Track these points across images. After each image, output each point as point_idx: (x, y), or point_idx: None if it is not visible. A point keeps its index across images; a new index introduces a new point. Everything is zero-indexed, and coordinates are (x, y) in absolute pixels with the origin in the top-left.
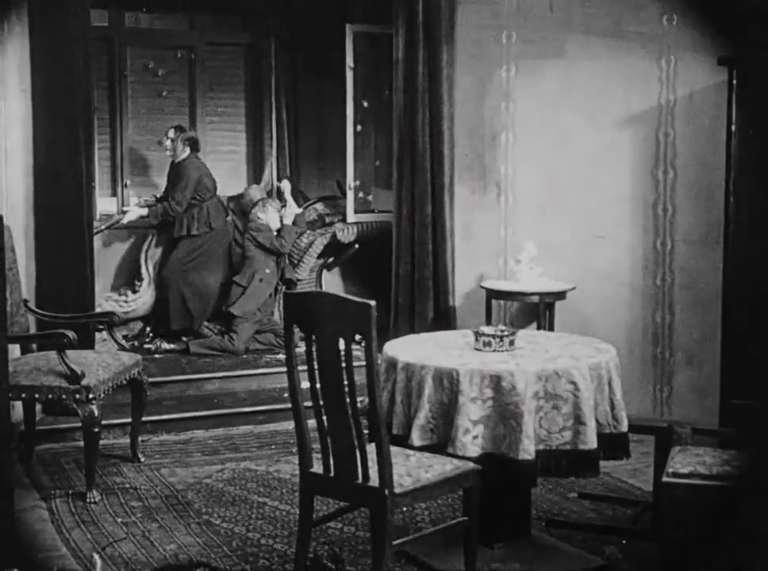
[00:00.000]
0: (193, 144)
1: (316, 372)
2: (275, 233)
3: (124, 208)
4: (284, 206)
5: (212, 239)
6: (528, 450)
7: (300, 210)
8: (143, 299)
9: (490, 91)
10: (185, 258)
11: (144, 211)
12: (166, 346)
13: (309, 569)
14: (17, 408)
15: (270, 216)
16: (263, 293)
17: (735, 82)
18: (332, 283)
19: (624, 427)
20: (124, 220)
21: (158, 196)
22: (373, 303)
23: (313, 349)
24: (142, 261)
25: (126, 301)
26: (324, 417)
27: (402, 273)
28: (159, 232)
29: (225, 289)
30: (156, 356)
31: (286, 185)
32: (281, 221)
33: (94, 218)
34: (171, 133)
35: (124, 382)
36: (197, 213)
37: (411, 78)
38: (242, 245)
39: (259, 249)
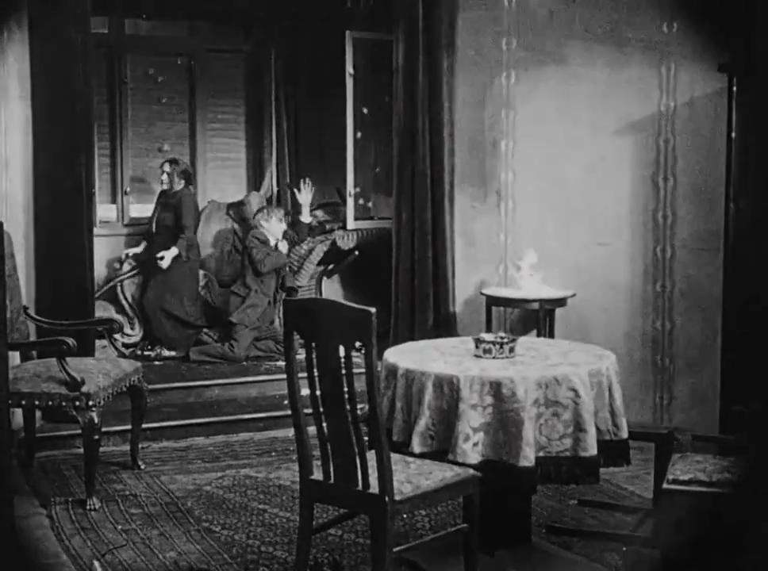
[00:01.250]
0: (188, 177)
1: (316, 379)
2: (273, 245)
3: (157, 256)
4: (298, 213)
5: (185, 268)
6: (528, 456)
7: (310, 219)
8: (138, 336)
9: (490, 98)
10: (161, 285)
11: (175, 250)
12: (166, 353)
13: None
14: (17, 415)
15: (272, 226)
16: (262, 302)
17: (735, 88)
18: (332, 290)
19: (624, 434)
20: (164, 265)
21: (153, 230)
22: (373, 310)
23: (313, 356)
24: (118, 289)
25: (124, 334)
26: (324, 424)
27: (402, 279)
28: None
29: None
30: (156, 363)
31: (307, 191)
32: (283, 234)
33: (94, 225)
34: (167, 167)
35: (124, 389)
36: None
37: (411, 84)
38: (241, 253)
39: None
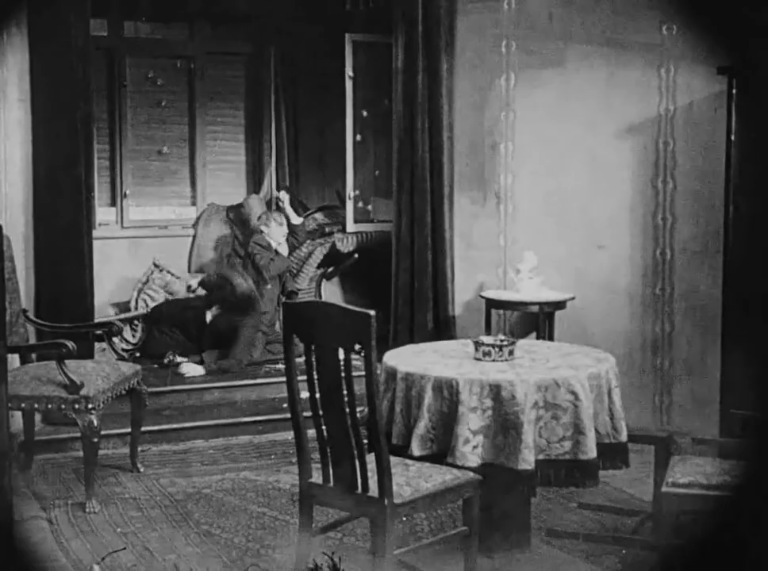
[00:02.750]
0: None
1: (316, 382)
2: (275, 250)
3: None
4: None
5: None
6: (527, 459)
7: (300, 220)
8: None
9: (490, 101)
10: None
11: (201, 370)
12: (179, 359)
13: None
14: (17, 418)
15: (272, 230)
16: (268, 308)
17: (734, 91)
18: (332, 293)
19: (624, 437)
20: (183, 371)
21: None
22: (373, 313)
23: (313, 359)
24: (133, 298)
25: (123, 339)
26: (324, 427)
27: (402, 282)
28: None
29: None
30: (155, 365)
31: (284, 197)
32: (286, 238)
33: (93, 227)
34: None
35: (124, 392)
36: None
37: (410, 87)
38: (243, 258)
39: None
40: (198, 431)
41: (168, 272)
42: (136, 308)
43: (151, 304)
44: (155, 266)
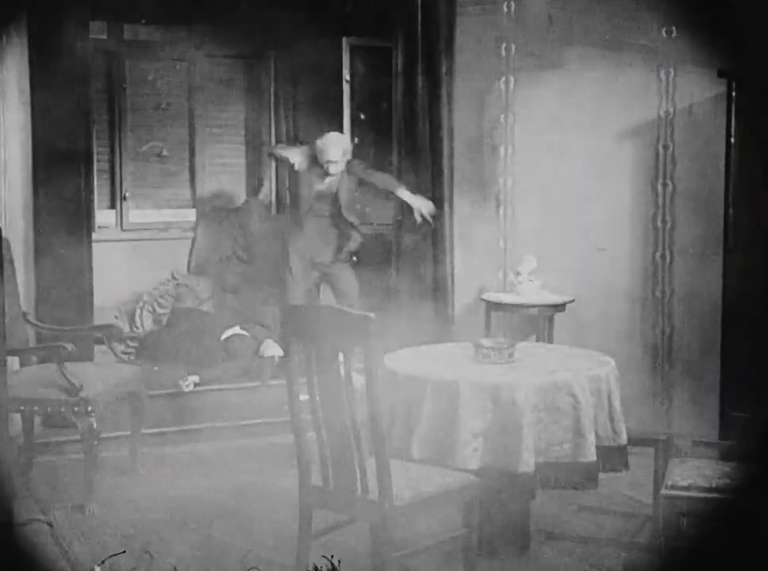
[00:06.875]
0: None
1: (316, 384)
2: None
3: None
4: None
5: None
6: (527, 462)
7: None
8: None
9: (489, 103)
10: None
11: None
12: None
13: None
14: (16, 421)
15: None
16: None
17: (734, 94)
18: (331, 295)
19: (624, 440)
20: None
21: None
22: (372, 315)
23: (313, 361)
24: (141, 303)
25: (123, 342)
26: (324, 430)
27: (401, 285)
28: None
29: None
30: (155, 368)
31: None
32: None
33: (93, 230)
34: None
35: (124, 395)
36: None
37: (410, 90)
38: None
39: None
40: (198, 434)
41: (184, 285)
42: (141, 316)
43: (159, 311)
44: (173, 278)
